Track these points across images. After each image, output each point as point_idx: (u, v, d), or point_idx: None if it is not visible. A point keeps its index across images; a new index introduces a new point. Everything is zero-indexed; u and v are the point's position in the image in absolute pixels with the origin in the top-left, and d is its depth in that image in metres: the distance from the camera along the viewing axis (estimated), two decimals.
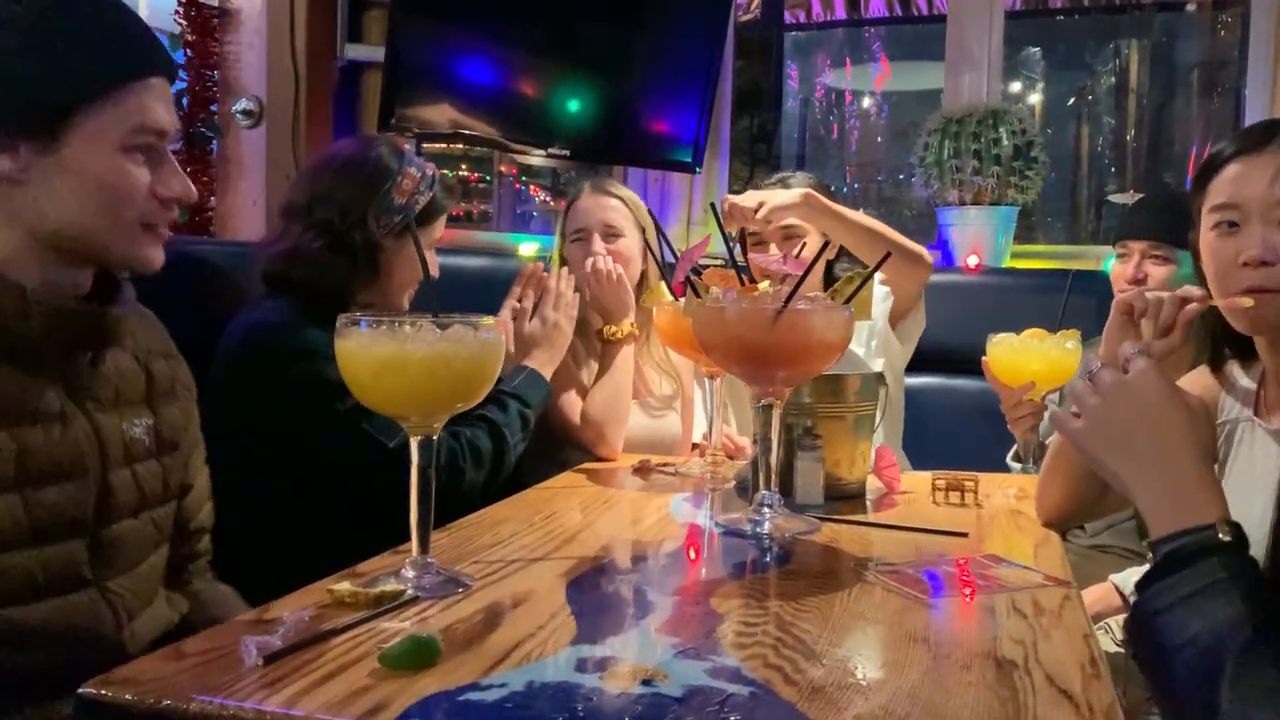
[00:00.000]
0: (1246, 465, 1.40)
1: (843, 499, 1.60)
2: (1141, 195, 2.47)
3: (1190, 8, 4.78)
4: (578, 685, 0.81)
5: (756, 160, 4.31)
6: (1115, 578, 1.99)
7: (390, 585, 1.03)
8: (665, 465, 1.89)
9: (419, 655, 0.84)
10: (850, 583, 1.13)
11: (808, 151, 5.15)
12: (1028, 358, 1.96)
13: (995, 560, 1.23)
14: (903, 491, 1.68)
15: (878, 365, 2.14)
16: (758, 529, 1.36)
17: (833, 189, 2.31)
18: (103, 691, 0.78)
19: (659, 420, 2.30)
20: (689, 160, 2.74)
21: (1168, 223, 2.13)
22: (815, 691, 0.80)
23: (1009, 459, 2.27)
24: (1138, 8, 4.83)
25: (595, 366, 2.17)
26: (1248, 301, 1.26)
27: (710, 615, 1.00)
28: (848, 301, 1.38)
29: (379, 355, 1.03)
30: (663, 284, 1.90)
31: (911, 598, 1.08)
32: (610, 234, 2.21)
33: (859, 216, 2.13)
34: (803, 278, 1.30)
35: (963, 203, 2.72)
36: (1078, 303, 2.48)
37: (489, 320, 1.06)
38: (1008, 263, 2.81)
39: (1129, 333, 1.43)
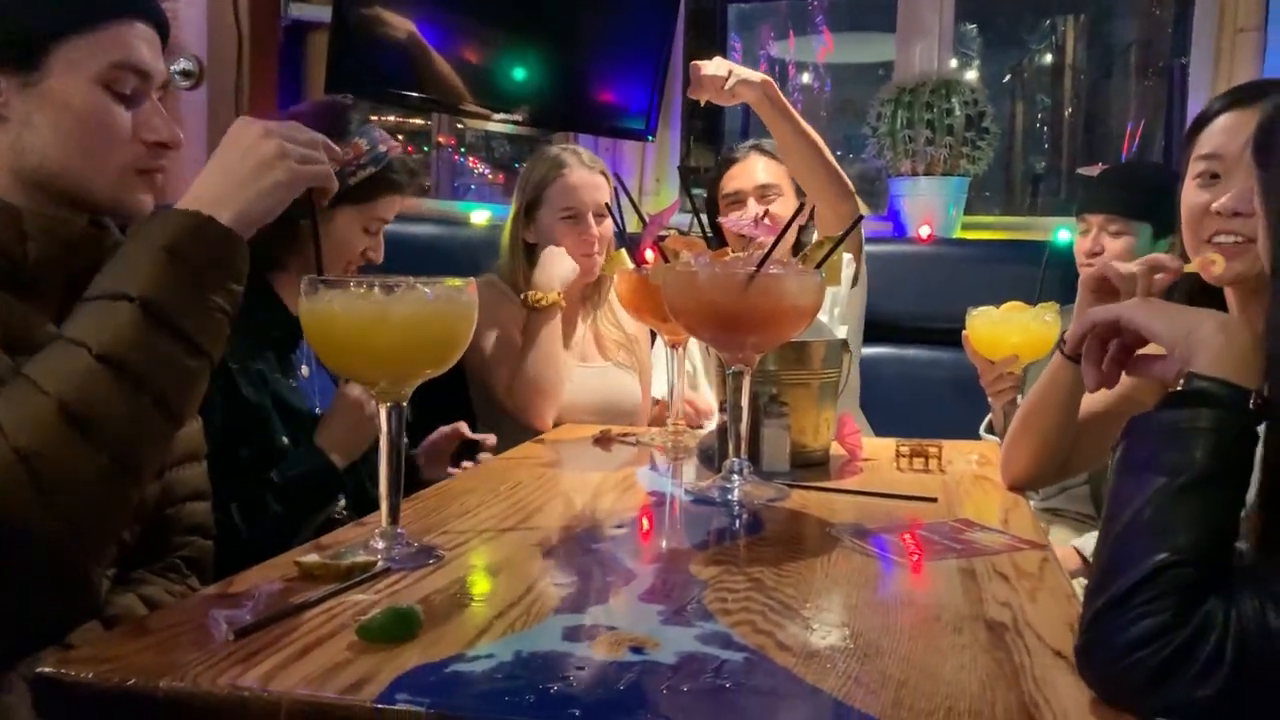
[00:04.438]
0: None
1: (807, 466, 1.59)
2: (1105, 168, 2.50)
3: None
4: (567, 654, 0.78)
5: (694, 134, 4.28)
6: (1075, 542, 2.02)
7: (360, 557, 0.99)
8: (627, 435, 1.86)
9: (399, 627, 0.81)
10: (827, 548, 1.11)
11: (751, 124, 5.12)
12: (1009, 330, 1.97)
13: (968, 525, 1.23)
14: (865, 459, 1.68)
15: (841, 332, 2.14)
16: (728, 496, 1.34)
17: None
18: (63, 670, 0.73)
19: (616, 387, 2.28)
20: (642, 128, 2.70)
21: (1125, 196, 2.15)
22: (810, 656, 0.79)
23: (982, 430, 2.28)
24: None
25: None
26: (1217, 260, 1.27)
27: (692, 582, 0.98)
28: (818, 267, 1.36)
29: (348, 319, 0.98)
30: (623, 251, 1.87)
31: (891, 562, 1.07)
32: (600, 214, 2.19)
33: (807, 126, 2.10)
34: (777, 240, 1.28)
35: (915, 173, 2.73)
36: (1030, 274, 2.49)
37: (459, 282, 1.02)
38: (958, 233, 2.82)
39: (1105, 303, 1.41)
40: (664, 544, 1.18)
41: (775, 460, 1.53)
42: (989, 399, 2.17)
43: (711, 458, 1.66)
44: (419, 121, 3.43)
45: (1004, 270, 2.51)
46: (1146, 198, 2.14)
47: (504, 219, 2.29)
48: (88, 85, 1.02)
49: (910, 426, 1.93)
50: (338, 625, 0.83)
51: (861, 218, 1.50)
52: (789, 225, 1.31)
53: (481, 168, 4.04)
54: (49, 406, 0.87)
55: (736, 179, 2.30)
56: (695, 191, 2.06)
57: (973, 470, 1.62)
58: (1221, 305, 1.39)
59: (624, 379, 2.30)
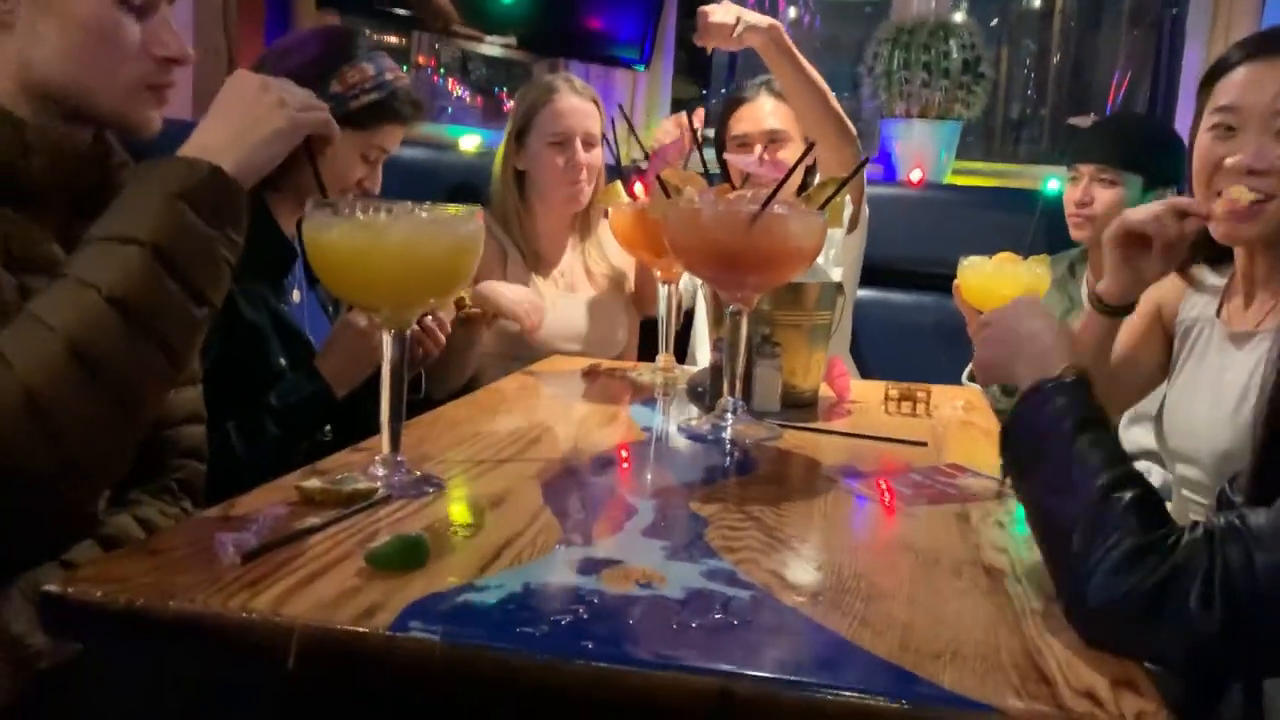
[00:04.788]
0: (1197, 363, 1.44)
1: (797, 406, 1.60)
2: (1098, 119, 2.50)
3: None
4: (577, 586, 0.79)
5: (677, 65, 4.21)
6: None
7: (361, 484, 0.99)
8: (616, 369, 1.86)
9: (408, 555, 0.81)
10: (823, 489, 1.13)
11: (739, 58, 5.04)
12: (1001, 282, 1.97)
13: (959, 470, 1.25)
14: (852, 400, 1.69)
15: (836, 275, 2.14)
16: (721, 434, 1.35)
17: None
18: (69, 590, 0.73)
19: (603, 318, 2.27)
20: (636, 57, 2.65)
21: (1118, 146, 2.14)
22: (815, 596, 0.80)
23: (964, 377, 2.30)
24: None
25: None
26: (1242, 197, 1.27)
27: (692, 519, 0.98)
28: (822, 208, 1.36)
29: (351, 243, 0.97)
30: (618, 183, 1.85)
31: (885, 506, 1.08)
32: (589, 142, 2.17)
33: (812, 71, 2.08)
34: (783, 181, 1.27)
35: (909, 115, 2.71)
36: (1019, 222, 2.49)
37: (466, 209, 1.01)
38: (949, 178, 2.82)
39: (1133, 260, 1.39)
40: (662, 479, 1.18)
41: (766, 400, 1.54)
42: (976, 348, 2.19)
43: (701, 395, 1.66)
44: (395, 40, 3.35)
45: (994, 218, 2.50)
46: (1139, 149, 2.14)
47: (489, 145, 2.26)
48: None
49: (894, 370, 1.95)
50: (343, 552, 0.83)
51: (867, 160, 1.49)
52: (796, 166, 1.30)
53: (460, 90, 3.96)
54: (57, 345, 0.86)
55: (745, 121, 2.27)
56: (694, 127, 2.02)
57: (959, 415, 1.63)
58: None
59: (611, 310, 2.29)
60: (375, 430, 1.27)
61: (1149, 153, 2.14)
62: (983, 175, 2.92)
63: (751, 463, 1.24)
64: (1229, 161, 1.30)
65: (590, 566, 0.83)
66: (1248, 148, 1.28)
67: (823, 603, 0.78)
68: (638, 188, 1.78)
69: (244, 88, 1.01)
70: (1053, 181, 2.63)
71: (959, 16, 4.83)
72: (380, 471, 1.02)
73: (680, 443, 1.36)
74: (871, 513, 1.06)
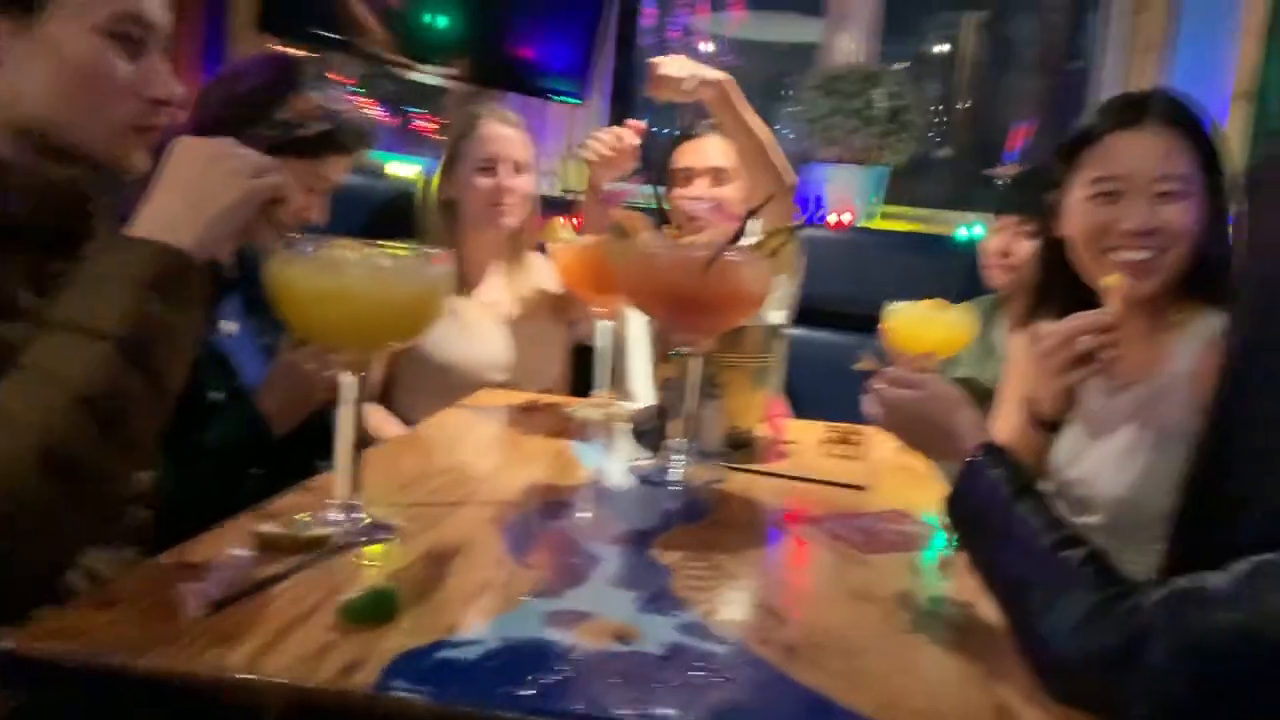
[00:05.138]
0: (1082, 417, 1.50)
1: (737, 447, 1.62)
2: (1020, 170, 2.60)
3: None
4: (554, 642, 0.78)
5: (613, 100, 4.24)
6: None
7: (317, 529, 0.97)
8: (554, 405, 1.86)
9: (381, 608, 0.80)
10: (779, 536, 1.14)
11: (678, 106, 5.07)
12: (930, 328, 2.03)
13: (902, 516, 1.28)
14: (789, 441, 1.72)
15: (776, 318, 2.17)
16: (671, 476, 1.36)
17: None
18: (33, 646, 0.69)
19: (536, 352, 2.26)
20: (574, 91, 2.66)
21: (1035, 199, 2.22)
22: (790, 651, 0.81)
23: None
24: None
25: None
26: (1115, 281, 1.33)
27: (657, 568, 0.98)
28: (774, 255, 1.38)
29: (321, 285, 0.95)
30: (560, 220, 1.85)
31: (843, 554, 1.10)
32: (517, 168, 2.17)
33: (760, 124, 2.11)
34: (740, 229, 1.29)
35: (840, 160, 2.78)
36: (936, 266, 2.57)
37: (434, 252, 1.00)
38: (877, 223, 2.89)
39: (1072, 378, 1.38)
40: (619, 525, 1.17)
41: (709, 441, 1.55)
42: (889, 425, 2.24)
43: (644, 434, 1.67)
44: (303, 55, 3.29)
45: (918, 261, 2.58)
46: None
47: (410, 168, 2.24)
48: (89, 33, 0.94)
49: (821, 408, 1.98)
50: (313, 603, 0.81)
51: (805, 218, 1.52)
52: (748, 216, 1.32)
53: (379, 111, 3.91)
54: (29, 440, 0.81)
55: (690, 155, 2.30)
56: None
57: (893, 458, 1.66)
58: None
59: (542, 341, 2.28)
60: (307, 468, 1.25)
61: None
62: (906, 220, 3.01)
63: (704, 507, 1.25)
64: (1124, 226, 1.36)
65: (564, 620, 0.83)
66: (1134, 214, 1.35)
67: (801, 659, 0.79)
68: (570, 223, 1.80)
69: (193, 158, 0.96)
70: (976, 228, 2.73)
71: (890, 65, 4.98)
72: (335, 516, 1.00)
73: (631, 485, 1.36)
74: (829, 561, 1.07)
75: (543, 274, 2.36)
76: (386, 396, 2.13)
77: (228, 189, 0.95)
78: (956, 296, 2.28)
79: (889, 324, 2.15)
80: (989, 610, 0.94)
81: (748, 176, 2.12)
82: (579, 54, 2.63)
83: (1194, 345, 1.37)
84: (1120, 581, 0.78)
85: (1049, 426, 1.46)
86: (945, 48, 5.25)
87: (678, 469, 1.38)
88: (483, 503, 1.17)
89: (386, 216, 2.42)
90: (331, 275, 0.94)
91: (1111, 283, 1.32)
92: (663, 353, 1.67)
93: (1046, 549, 0.81)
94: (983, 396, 2.31)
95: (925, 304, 2.12)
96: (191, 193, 0.94)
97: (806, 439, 1.73)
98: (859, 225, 2.81)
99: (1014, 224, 2.22)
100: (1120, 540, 1.43)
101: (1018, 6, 4.91)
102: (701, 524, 1.18)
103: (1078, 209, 1.42)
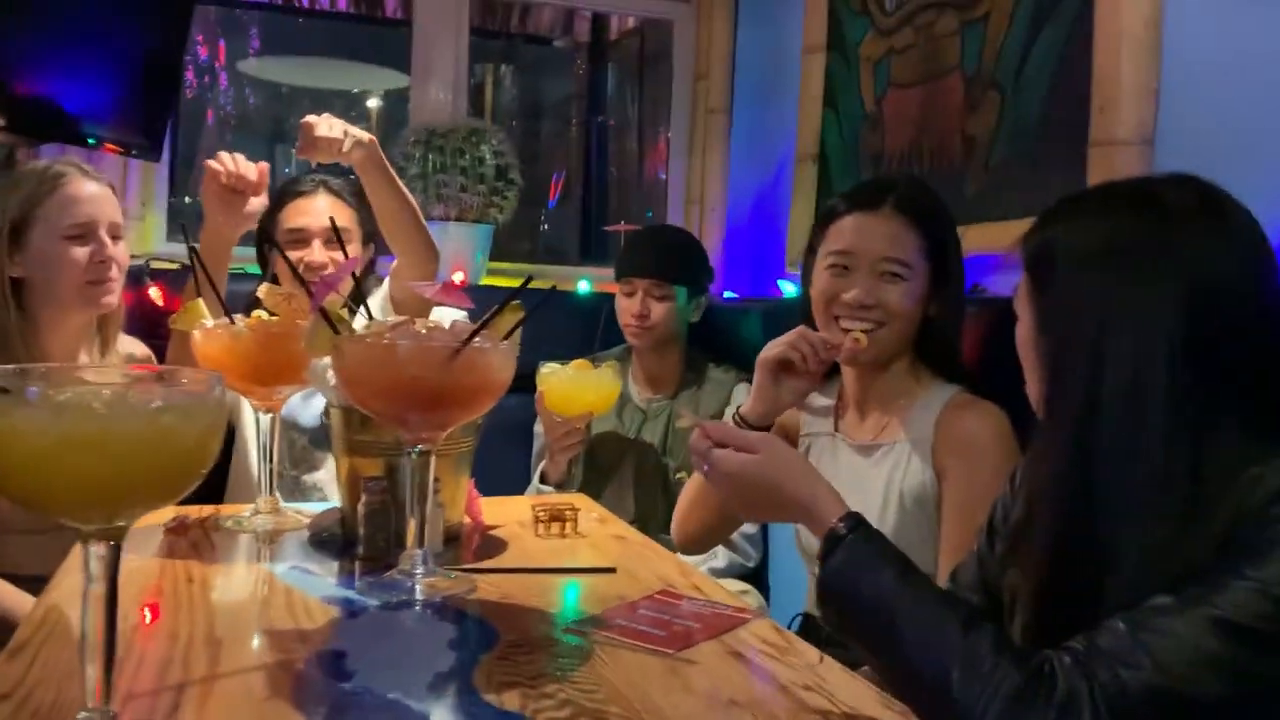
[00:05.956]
0: (830, 475, 1.60)
1: (449, 542, 1.49)
2: (637, 229, 2.70)
3: (558, 43, 5.23)
4: None
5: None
6: None
7: None
8: (206, 519, 1.57)
9: None
10: (595, 647, 1.05)
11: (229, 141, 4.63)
12: (583, 389, 2.03)
13: (678, 597, 1.25)
14: (494, 526, 1.61)
15: None
16: (419, 595, 1.21)
17: None
18: None
19: None
20: (145, 143, 2.30)
21: (666, 261, 2.34)
22: None
23: (537, 481, 2.31)
24: (509, 36, 5.16)
25: None
26: (861, 339, 1.45)
27: (503, 716, 0.86)
28: (506, 337, 1.29)
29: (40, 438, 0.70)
30: (200, 303, 1.58)
31: (662, 654, 1.04)
32: (114, 234, 1.82)
33: (404, 188, 1.98)
34: (491, 316, 1.19)
35: (446, 218, 2.69)
36: (561, 322, 2.59)
37: (202, 378, 0.78)
38: (486, 280, 2.85)
39: (777, 384, 1.54)
40: (420, 669, 0.99)
41: (433, 542, 1.41)
42: (554, 454, 2.23)
43: (330, 542, 1.48)
44: None
45: (547, 317, 2.57)
46: (684, 263, 2.37)
47: None
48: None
49: (495, 480, 1.90)
50: None
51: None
52: (506, 303, 1.21)
53: None
54: None
55: (303, 215, 2.08)
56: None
57: (603, 529, 1.64)
58: None
59: None
60: None
61: (692, 265, 2.37)
62: (512, 275, 3.00)
63: (485, 627, 1.12)
64: (845, 296, 1.50)
65: None
66: (860, 287, 1.49)
67: None
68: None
69: None
70: (583, 283, 2.80)
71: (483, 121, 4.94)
72: None
73: (375, 610, 1.18)
74: (652, 666, 1.00)
75: (138, 361, 2.03)
76: None
77: None
78: (583, 350, 2.33)
79: (545, 387, 2.14)
80: (835, 688, 0.95)
81: (397, 243, 1.97)
82: (155, 101, 2.29)
83: (927, 415, 1.51)
84: (1031, 655, 0.81)
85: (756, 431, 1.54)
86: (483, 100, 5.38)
87: (419, 583, 1.23)
88: (237, 672, 0.95)
89: None
90: (79, 420, 0.70)
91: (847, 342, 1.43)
92: (349, 447, 1.49)
93: (957, 632, 0.82)
94: (623, 448, 2.37)
95: (574, 365, 2.14)
96: None
97: (507, 519, 1.64)
98: (474, 284, 2.76)
99: (646, 286, 2.31)
100: None
101: (539, 61, 5.14)
102: (503, 651, 1.05)
103: (818, 275, 1.52)
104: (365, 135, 1.84)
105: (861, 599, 0.91)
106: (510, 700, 0.89)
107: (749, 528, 2.28)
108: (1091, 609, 0.84)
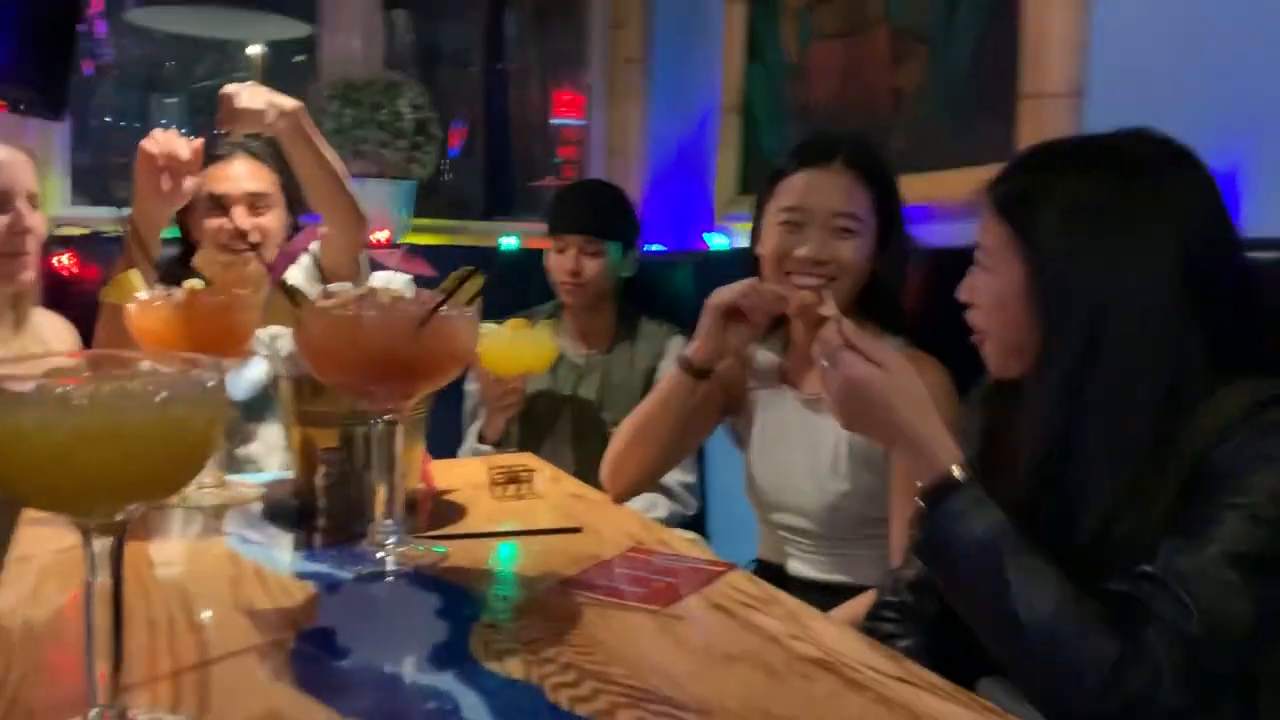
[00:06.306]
0: (779, 428, 1.65)
1: (407, 509, 1.48)
2: (565, 187, 2.67)
3: None
4: None
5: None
6: None
7: None
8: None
9: None
10: (579, 612, 1.06)
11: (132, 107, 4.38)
12: (522, 350, 2.03)
13: (650, 552, 1.27)
14: (449, 490, 1.61)
15: None
16: (391, 566, 1.20)
17: None
18: None
19: None
20: (44, 100, 2.18)
21: (599, 219, 2.33)
22: None
23: (474, 441, 2.30)
24: None
25: None
26: (812, 297, 1.47)
27: (521, 689, 0.87)
28: (469, 303, 1.27)
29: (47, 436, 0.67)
30: (135, 273, 1.52)
31: (646, 611, 1.06)
32: (33, 203, 1.73)
33: (332, 154, 1.93)
34: (460, 284, 1.18)
35: (366, 175, 2.62)
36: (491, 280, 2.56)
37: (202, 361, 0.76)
38: (410, 237, 2.79)
39: (725, 330, 1.55)
40: (414, 644, 0.98)
41: (399, 513, 1.39)
42: (492, 413, 2.22)
43: (284, 515, 1.45)
44: None
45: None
46: (615, 220, 2.37)
47: None
48: None
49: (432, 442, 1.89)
50: None
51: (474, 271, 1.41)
52: (466, 279, 1.20)
53: None
54: None
55: (222, 181, 2.00)
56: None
57: (560, 488, 1.65)
58: None
59: None
60: None
61: (622, 221, 2.37)
62: (438, 233, 2.95)
63: (470, 596, 1.12)
64: (799, 252, 1.52)
65: None
66: (812, 243, 1.51)
67: None
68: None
69: None
70: (508, 239, 2.78)
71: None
72: None
73: (349, 585, 1.17)
74: (650, 625, 1.02)
75: (57, 336, 1.94)
76: None
77: None
78: (511, 308, 2.32)
79: (482, 348, 2.12)
80: (824, 636, 0.99)
81: (324, 211, 1.92)
82: (51, 62, 2.16)
83: None
84: (1120, 620, 0.88)
85: (699, 375, 1.56)
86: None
87: (392, 554, 1.22)
88: (227, 656, 0.93)
89: None
90: (88, 416, 0.67)
91: (808, 299, 1.45)
92: (299, 417, 1.46)
93: (1070, 598, 0.88)
94: (559, 405, 2.38)
95: (511, 324, 2.13)
96: None
97: (463, 483, 1.64)
98: (397, 242, 2.70)
99: (579, 243, 2.30)
100: (827, 539, 1.59)
101: (436, 8, 4.99)
102: (491, 615, 1.06)
103: (769, 233, 1.53)
104: (290, 103, 1.78)
105: (972, 545, 0.95)
106: (514, 668, 0.90)
107: (687, 477, 2.32)
108: (1063, 539, 0.91)
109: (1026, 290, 1.03)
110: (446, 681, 0.88)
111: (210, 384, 0.73)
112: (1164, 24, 1.59)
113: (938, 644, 1.20)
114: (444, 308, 1.16)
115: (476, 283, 1.25)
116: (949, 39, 1.96)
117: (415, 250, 1.30)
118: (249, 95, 1.73)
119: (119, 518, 0.73)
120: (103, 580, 0.73)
